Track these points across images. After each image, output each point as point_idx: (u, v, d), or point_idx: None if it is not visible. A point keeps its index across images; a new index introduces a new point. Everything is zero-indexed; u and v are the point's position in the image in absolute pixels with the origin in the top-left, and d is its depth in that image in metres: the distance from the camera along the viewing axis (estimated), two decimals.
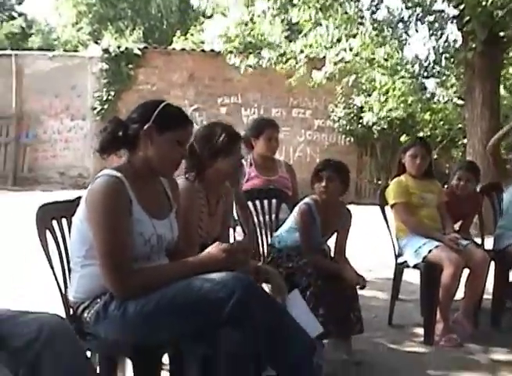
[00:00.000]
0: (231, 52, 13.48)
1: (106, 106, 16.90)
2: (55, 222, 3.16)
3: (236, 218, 4.69)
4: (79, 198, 2.98)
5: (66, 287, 3.07)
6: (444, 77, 15.18)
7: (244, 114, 17.29)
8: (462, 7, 9.89)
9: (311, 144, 17.66)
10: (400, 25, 11.78)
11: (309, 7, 10.86)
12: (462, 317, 4.97)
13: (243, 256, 3.04)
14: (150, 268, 2.88)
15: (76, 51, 25.31)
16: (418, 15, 11.34)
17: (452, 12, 11.06)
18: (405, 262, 5.11)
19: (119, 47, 17.21)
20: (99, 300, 2.83)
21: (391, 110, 15.15)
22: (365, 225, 8.32)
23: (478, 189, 5.84)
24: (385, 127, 16.24)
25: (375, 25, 11.35)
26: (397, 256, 5.26)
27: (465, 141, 12.90)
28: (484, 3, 9.01)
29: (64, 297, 3.03)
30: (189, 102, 16.87)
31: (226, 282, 2.68)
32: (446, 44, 11.96)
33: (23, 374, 2.14)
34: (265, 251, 4.75)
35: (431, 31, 11.65)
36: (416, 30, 11.72)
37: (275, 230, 4.81)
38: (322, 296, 4.03)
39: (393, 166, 5.58)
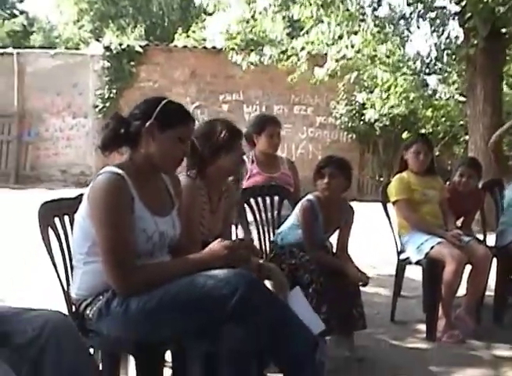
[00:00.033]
0: (233, 49, 13.47)
1: (107, 104, 16.90)
2: (57, 220, 3.17)
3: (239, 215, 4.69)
4: (81, 195, 2.98)
5: (68, 284, 3.08)
6: (446, 74, 15.22)
7: (246, 111, 17.28)
8: (463, 3, 9.88)
9: (313, 141, 17.65)
10: (402, 22, 11.81)
11: (310, 4, 10.86)
12: (464, 313, 4.98)
13: (245, 253, 3.04)
14: (153, 264, 2.88)
15: (77, 49, 25.29)
16: (420, 11, 11.35)
17: (454, 8, 11.06)
18: (408, 258, 5.11)
19: (121, 44, 17.19)
20: (101, 297, 2.83)
21: (392, 106, 15.15)
22: (368, 222, 8.32)
23: (480, 186, 5.84)
24: (387, 124, 16.22)
25: (377, 22, 11.36)
26: (399, 253, 5.26)
27: (467, 138, 12.90)
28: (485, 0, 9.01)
29: (67, 294, 3.04)
30: (190, 99, 16.86)
31: (229, 279, 2.68)
32: (448, 40, 11.98)
33: (27, 371, 2.15)
34: (268, 247, 4.75)
35: (433, 28, 11.65)
36: (418, 27, 11.74)
37: (277, 227, 4.81)
38: (325, 292, 4.03)
39: (395, 163, 5.59)
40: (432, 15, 11.35)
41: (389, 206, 5.33)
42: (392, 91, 14.31)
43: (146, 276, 2.79)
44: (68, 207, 3.20)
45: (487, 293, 5.34)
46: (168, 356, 3.26)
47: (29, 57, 17.49)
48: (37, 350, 2.19)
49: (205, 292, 2.66)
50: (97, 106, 17.03)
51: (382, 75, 13.14)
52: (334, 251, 4.60)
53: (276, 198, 4.98)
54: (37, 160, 17.32)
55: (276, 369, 2.98)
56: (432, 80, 16.88)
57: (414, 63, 14.20)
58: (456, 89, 16.31)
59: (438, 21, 11.46)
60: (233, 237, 4.19)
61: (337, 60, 11.90)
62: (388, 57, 12.59)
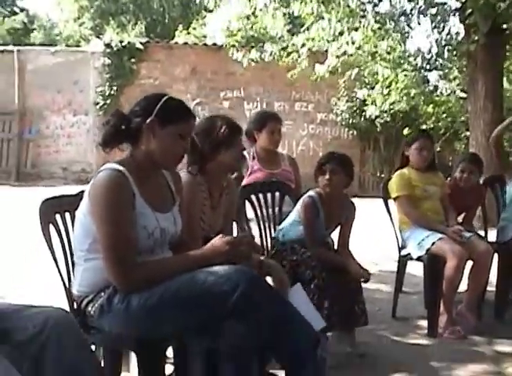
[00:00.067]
0: (233, 45, 13.46)
1: (108, 101, 16.91)
2: (58, 217, 3.17)
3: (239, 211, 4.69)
4: (82, 192, 2.99)
5: (69, 281, 3.08)
6: (446, 70, 15.21)
7: (247, 108, 17.30)
8: None
9: (313, 138, 17.67)
10: (402, 18, 11.77)
11: (311, 0, 10.86)
12: (465, 309, 4.98)
13: (246, 249, 3.04)
14: (154, 261, 2.88)
15: (78, 46, 25.34)
16: (420, 7, 11.32)
17: (455, 4, 11.05)
18: (409, 254, 5.11)
19: (121, 41, 17.21)
20: (102, 293, 2.83)
21: (393, 103, 15.15)
22: (369, 218, 8.32)
23: (481, 182, 5.84)
24: (388, 120, 16.24)
25: (377, 18, 11.34)
26: (400, 249, 5.26)
27: (468, 133, 12.90)
28: None
29: (68, 291, 3.04)
30: (191, 96, 16.87)
31: (230, 275, 2.68)
32: (449, 36, 11.93)
33: (27, 368, 2.15)
34: (269, 244, 4.75)
35: (434, 24, 11.61)
36: (419, 23, 11.71)
37: (278, 223, 4.81)
38: (327, 289, 4.03)
39: (396, 159, 5.60)
40: (433, 11, 11.32)
41: (390, 202, 5.32)
42: (393, 87, 14.33)
43: (147, 273, 2.79)
44: (69, 203, 3.20)
45: (488, 289, 5.34)
46: (170, 352, 3.26)
47: (29, 55, 17.51)
48: (38, 347, 2.19)
49: (206, 288, 2.66)
50: (98, 104, 17.05)
51: (383, 71, 13.16)
52: (336, 247, 4.60)
53: (277, 194, 4.98)
54: (38, 157, 17.35)
55: (278, 365, 2.98)
56: (433, 76, 16.90)
57: (415, 59, 14.15)
58: (457, 85, 16.32)
59: (438, 17, 11.42)
60: (234, 234, 4.18)
61: (337, 56, 11.90)
62: (389, 53, 12.58)
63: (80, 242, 2.92)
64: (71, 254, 3.11)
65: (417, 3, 11.30)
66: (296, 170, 5.43)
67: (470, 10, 9.86)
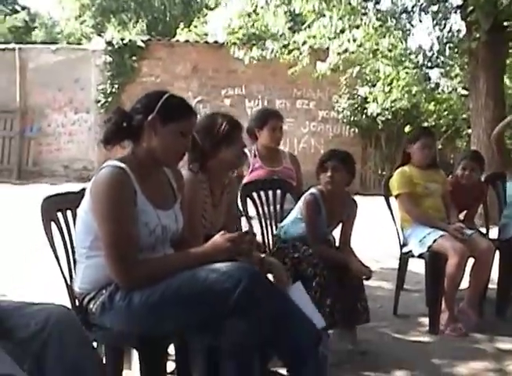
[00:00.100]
0: (234, 43, 13.45)
1: (109, 99, 16.88)
2: (60, 214, 3.17)
3: (241, 209, 4.70)
4: (84, 190, 2.99)
5: (71, 278, 3.08)
6: (448, 68, 15.18)
7: (248, 106, 17.28)
8: None
9: (315, 135, 17.65)
10: (404, 15, 11.76)
11: None
12: (467, 307, 4.98)
13: (247, 246, 3.04)
14: (155, 258, 2.89)
15: (79, 44, 25.30)
16: (422, 5, 11.31)
17: (456, 1, 11.04)
18: (410, 251, 5.11)
19: (122, 39, 17.18)
20: (104, 291, 2.83)
21: (395, 100, 15.11)
22: (371, 216, 8.32)
23: (483, 179, 5.83)
24: (389, 117, 16.23)
25: (378, 15, 11.33)
26: (402, 246, 5.26)
27: (469, 131, 12.88)
28: None
29: (70, 288, 3.04)
30: (192, 94, 16.83)
31: (232, 272, 2.68)
32: (450, 34, 11.93)
33: (29, 365, 2.15)
34: (271, 241, 4.75)
35: (435, 21, 11.61)
36: (420, 21, 11.70)
37: (280, 221, 4.81)
38: (328, 286, 4.03)
39: (398, 157, 5.58)
40: (434, 8, 11.32)
41: (392, 200, 5.32)
42: (394, 84, 14.29)
43: (149, 270, 2.79)
44: (71, 201, 3.21)
45: (490, 286, 5.33)
46: (171, 349, 3.26)
47: (31, 53, 17.48)
48: (39, 344, 2.20)
49: (207, 286, 2.66)
50: (99, 101, 17.02)
51: (384, 69, 13.12)
52: (337, 244, 4.60)
53: (279, 192, 4.98)
54: (40, 155, 17.33)
55: (280, 363, 2.98)
56: (434, 73, 16.87)
57: (416, 56, 14.13)
58: (459, 83, 16.29)
59: (440, 14, 11.42)
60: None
61: (338, 54, 11.89)
62: (390, 51, 12.56)
63: (81, 239, 2.92)
64: (73, 252, 3.11)
65: (418, 0, 11.30)
66: (297, 167, 5.43)
67: (471, 7, 9.86)
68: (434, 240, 4.84)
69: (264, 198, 4.87)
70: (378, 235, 8.35)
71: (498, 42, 10.50)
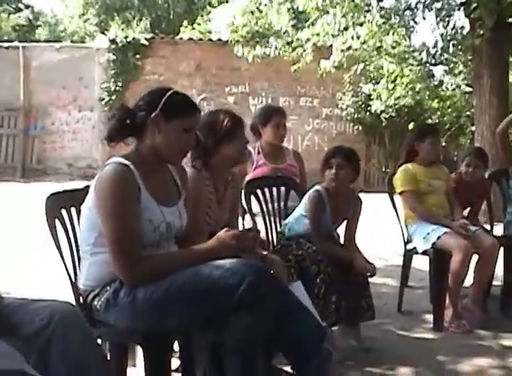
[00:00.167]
0: (238, 41, 13.44)
1: (113, 97, 16.89)
2: (64, 211, 3.17)
3: (245, 206, 4.70)
4: (88, 187, 2.99)
5: (75, 275, 3.09)
6: (452, 65, 15.20)
7: (252, 103, 17.27)
8: None
9: (319, 133, 17.65)
10: (407, 12, 11.76)
11: None
12: (471, 303, 4.98)
13: (251, 243, 3.04)
14: (160, 254, 2.89)
15: (83, 42, 25.35)
16: (425, 2, 11.31)
17: None
18: (414, 248, 5.10)
19: (126, 37, 17.19)
20: (108, 287, 2.83)
21: (399, 97, 15.14)
22: (375, 213, 8.31)
23: (487, 176, 5.83)
24: (393, 115, 16.23)
25: (382, 13, 11.34)
26: (406, 243, 5.25)
27: (473, 128, 12.88)
28: None
29: (74, 285, 3.05)
30: (196, 91, 16.84)
31: (236, 269, 2.68)
32: (454, 31, 11.93)
33: (34, 361, 2.15)
34: (274, 238, 4.75)
35: (439, 18, 11.60)
36: (424, 18, 11.71)
37: (284, 218, 4.81)
38: (332, 283, 4.03)
39: (401, 154, 5.57)
40: (438, 5, 11.31)
41: (396, 197, 5.32)
42: (398, 82, 14.31)
43: (153, 266, 2.79)
44: (75, 198, 3.20)
45: (494, 283, 5.34)
46: (176, 346, 3.27)
47: (34, 51, 17.50)
48: (44, 340, 2.20)
49: (211, 282, 2.66)
50: (103, 99, 17.04)
51: (388, 66, 13.14)
52: (341, 241, 4.60)
53: (283, 189, 4.98)
54: (44, 153, 17.35)
55: (284, 360, 2.99)
56: (438, 70, 16.90)
57: (420, 53, 14.17)
58: (462, 80, 16.30)
59: (443, 11, 11.41)
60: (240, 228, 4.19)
61: (342, 51, 11.88)
62: (394, 48, 12.59)
63: (86, 236, 2.92)
64: (77, 249, 3.12)
65: None
66: (301, 165, 5.42)
67: (475, 4, 9.84)
68: (438, 237, 4.84)
69: (268, 195, 4.87)
70: (382, 232, 8.36)
71: (502, 39, 10.49)
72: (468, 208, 5.64)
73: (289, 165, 5.29)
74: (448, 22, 11.70)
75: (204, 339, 2.94)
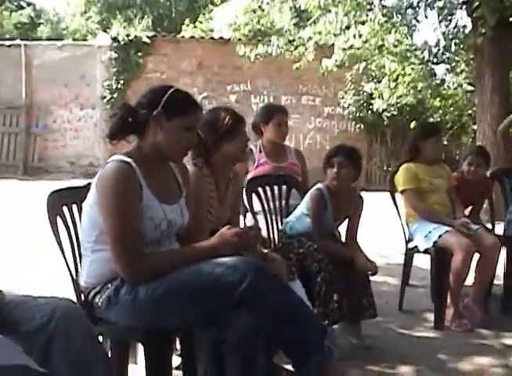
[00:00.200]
0: (240, 39, 13.45)
1: (115, 95, 16.89)
2: (65, 209, 3.17)
3: (247, 204, 4.70)
4: (89, 184, 2.99)
5: (77, 272, 3.09)
6: (453, 63, 15.19)
7: (254, 102, 17.27)
8: None
9: (320, 131, 17.65)
10: (409, 11, 11.78)
11: None
12: (472, 302, 4.97)
13: (253, 241, 3.05)
14: (161, 252, 2.89)
15: (85, 40, 25.35)
16: (427, 0, 11.33)
17: None
18: (416, 247, 5.10)
19: (128, 35, 17.20)
20: (110, 285, 2.84)
21: (400, 96, 15.13)
22: (376, 212, 8.31)
23: (488, 175, 5.82)
24: (395, 113, 16.22)
25: (384, 11, 11.34)
26: (407, 241, 5.25)
27: (475, 127, 12.89)
28: None
29: (75, 282, 3.05)
30: (198, 90, 16.83)
31: (237, 266, 2.68)
32: (456, 30, 11.94)
33: (35, 358, 2.15)
34: (276, 237, 4.75)
35: (441, 17, 11.62)
36: (426, 16, 11.77)
37: (285, 216, 4.81)
38: (333, 282, 4.03)
39: (403, 152, 5.57)
40: (440, 4, 11.32)
41: (397, 195, 5.32)
42: (400, 80, 14.30)
43: (154, 264, 2.79)
44: (76, 196, 3.20)
45: (495, 282, 5.34)
46: (177, 343, 3.27)
47: (36, 49, 17.50)
48: (45, 337, 2.20)
49: (212, 280, 2.66)
50: (105, 97, 17.04)
51: (390, 65, 13.13)
52: (343, 240, 4.60)
53: (284, 187, 4.98)
54: (46, 151, 17.36)
55: (285, 358, 2.99)
56: (440, 69, 16.89)
57: (422, 52, 14.16)
58: (464, 79, 16.29)
59: (445, 10, 11.43)
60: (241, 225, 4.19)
61: (344, 50, 11.89)
62: (396, 47, 12.57)
63: (87, 234, 2.92)
64: (78, 246, 3.12)
65: None
66: (303, 163, 5.42)
67: (477, 3, 9.83)
68: (440, 236, 4.84)
69: (269, 193, 4.87)
70: (384, 230, 8.35)
71: (504, 38, 10.48)
72: (470, 207, 5.63)
73: (290, 164, 5.29)
74: (450, 20, 11.72)
75: (205, 337, 2.94)
